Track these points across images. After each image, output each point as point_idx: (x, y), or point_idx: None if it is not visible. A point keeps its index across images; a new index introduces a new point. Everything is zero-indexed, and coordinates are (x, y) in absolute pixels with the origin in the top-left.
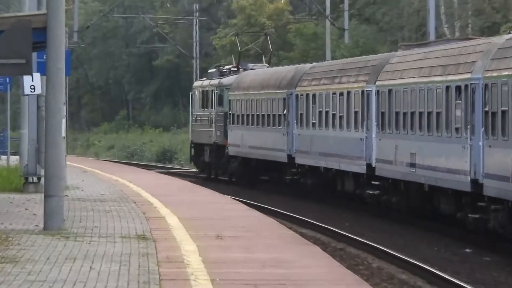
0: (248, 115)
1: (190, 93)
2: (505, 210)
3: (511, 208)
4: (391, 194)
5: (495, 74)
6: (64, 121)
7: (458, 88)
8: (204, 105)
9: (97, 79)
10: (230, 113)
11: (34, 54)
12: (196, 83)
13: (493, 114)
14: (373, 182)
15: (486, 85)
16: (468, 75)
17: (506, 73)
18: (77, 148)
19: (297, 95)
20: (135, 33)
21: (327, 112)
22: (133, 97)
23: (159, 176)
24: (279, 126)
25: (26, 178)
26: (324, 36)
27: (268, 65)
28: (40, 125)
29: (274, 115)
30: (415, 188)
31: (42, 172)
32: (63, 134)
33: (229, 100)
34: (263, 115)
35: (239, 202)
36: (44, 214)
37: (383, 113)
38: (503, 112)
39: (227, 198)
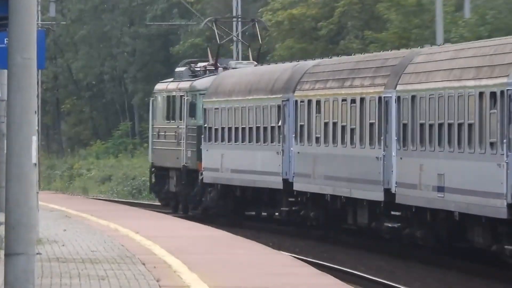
0: (230, 128)
1: (151, 99)
2: None
3: None
4: (414, 226)
5: None
6: (35, 139)
7: (493, 94)
8: (170, 115)
9: (85, 74)
10: (205, 127)
11: None
12: (158, 86)
13: None
14: (393, 213)
15: None
16: (504, 79)
17: None
18: (55, 181)
19: (296, 101)
20: (143, 4)
21: (334, 124)
22: (140, 101)
23: (181, 223)
24: (272, 143)
25: None
26: (433, 8)
27: (256, 63)
28: None
29: (265, 128)
30: (444, 217)
31: (2, 218)
32: (34, 159)
33: (204, 110)
34: (250, 129)
35: (299, 260)
36: (4, 282)
37: (405, 125)
38: None
39: (281, 256)
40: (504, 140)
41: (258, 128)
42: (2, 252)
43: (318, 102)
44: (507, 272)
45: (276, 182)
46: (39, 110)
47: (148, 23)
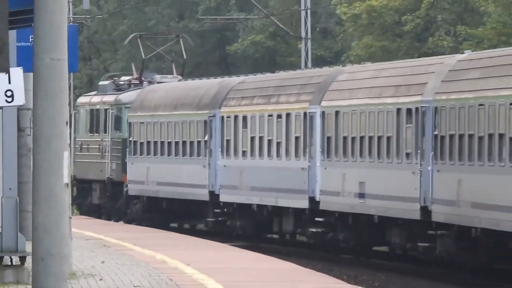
0: (156, 142)
1: (73, 112)
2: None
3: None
4: (338, 230)
5: (444, 98)
6: (67, 155)
7: (408, 110)
8: (94, 128)
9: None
10: (130, 140)
11: (12, 34)
12: (81, 99)
13: (442, 138)
14: (317, 219)
15: (436, 108)
16: (419, 98)
17: (454, 96)
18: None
19: (222, 117)
20: None
21: (261, 138)
22: None
23: (239, 253)
24: (198, 157)
25: (0, 259)
26: None
27: (181, 77)
28: (23, 163)
29: (191, 142)
30: (365, 220)
31: (29, 248)
32: (66, 179)
33: (129, 123)
34: (176, 143)
35: None
36: None
37: (329, 138)
38: (451, 137)
39: None
40: (418, 151)
41: (184, 142)
42: (30, 287)
43: (244, 118)
44: (420, 267)
45: (202, 194)
46: (72, 120)
47: (201, 16)
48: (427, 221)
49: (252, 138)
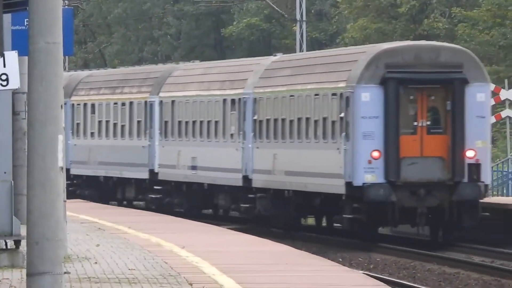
0: None
1: None
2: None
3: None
4: (173, 196)
5: (261, 91)
6: (61, 138)
7: (233, 100)
8: None
9: (121, 61)
10: None
11: (7, 17)
12: None
13: (260, 121)
14: (155, 187)
15: (255, 99)
16: (240, 91)
17: (270, 90)
18: None
19: (73, 104)
20: None
21: (107, 122)
22: None
23: (234, 236)
24: None
25: None
26: None
27: None
28: (18, 146)
29: None
30: (196, 188)
31: (23, 232)
32: (60, 162)
33: None
34: None
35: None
36: None
37: (166, 122)
38: (268, 120)
39: (357, 276)
40: (240, 132)
41: None
42: (24, 271)
43: (93, 105)
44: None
45: None
46: (67, 104)
47: None
48: (249, 187)
49: (100, 122)
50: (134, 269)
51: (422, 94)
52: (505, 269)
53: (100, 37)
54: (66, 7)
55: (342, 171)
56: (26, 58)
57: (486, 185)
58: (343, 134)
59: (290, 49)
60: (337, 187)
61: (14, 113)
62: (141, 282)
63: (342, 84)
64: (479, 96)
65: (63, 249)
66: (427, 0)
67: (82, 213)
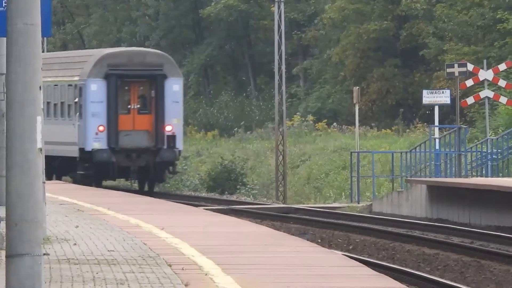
0: None
1: None
2: None
3: None
4: None
5: None
6: (40, 120)
7: None
8: None
9: (99, 42)
10: None
11: None
12: None
13: None
14: None
15: None
16: None
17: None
18: None
19: None
20: None
21: None
22: None
23: (213, 218)
24: None
25: None
26: None
27: None
28: None
29: None
30: None
31: (2, 213)
32: (39, 143)
33: None
34: None
35: (352, 259)
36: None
37: None
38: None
39: (336, 257)
40: None
41: None
42: (3, 253)
43: None
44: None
45: None
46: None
47: None
48: None
49: None
50: (113, 251)
51: (134, 86)
52: (485, 250)
53: (78, 18)
54: None
55: (77, 140)
56: (4, 39)
57: (180, 151)
58: (78, 114)
59: (268, 30)
60: (73, 151)
61: None
62: (120, 264)
63: (76, 78)
64: (174, 87)
65: (42, 231)
66: None
67: (61, 195)
